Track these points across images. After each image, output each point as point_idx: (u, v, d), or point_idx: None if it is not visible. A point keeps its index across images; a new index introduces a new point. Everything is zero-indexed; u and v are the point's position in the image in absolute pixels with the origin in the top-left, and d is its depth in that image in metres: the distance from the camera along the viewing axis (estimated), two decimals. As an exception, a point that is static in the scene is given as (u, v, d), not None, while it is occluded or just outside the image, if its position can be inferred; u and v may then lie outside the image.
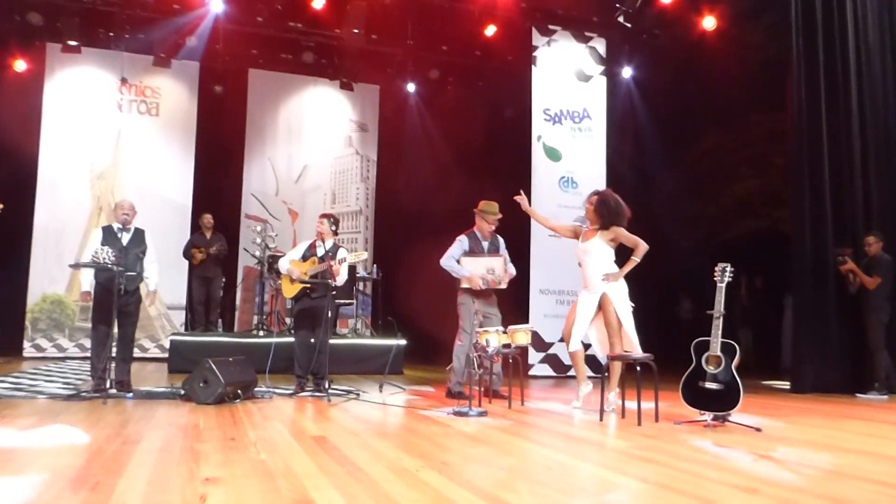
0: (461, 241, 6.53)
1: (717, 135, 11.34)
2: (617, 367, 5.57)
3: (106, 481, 2.95)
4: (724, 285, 4.92)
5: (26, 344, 10.09)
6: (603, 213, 5.65)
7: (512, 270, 6.54)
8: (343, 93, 12.18)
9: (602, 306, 5.59)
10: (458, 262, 6.41)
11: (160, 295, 7.12)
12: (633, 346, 5.48)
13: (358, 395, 6.41)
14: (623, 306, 5.55)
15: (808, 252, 7.65)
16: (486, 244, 6.59)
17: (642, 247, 5.50)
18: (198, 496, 2.73)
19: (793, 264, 7.80)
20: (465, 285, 6.42)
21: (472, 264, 6.40)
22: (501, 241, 6.75)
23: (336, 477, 3.12)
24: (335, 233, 6.74)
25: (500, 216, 6.60)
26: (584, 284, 5.76)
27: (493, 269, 6.40)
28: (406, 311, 10.20)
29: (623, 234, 5.60)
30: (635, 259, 5.50)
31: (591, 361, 7.08)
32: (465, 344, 6.31)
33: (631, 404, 5.11)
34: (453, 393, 6.44)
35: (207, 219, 9.87)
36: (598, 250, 5.64)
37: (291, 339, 7.00)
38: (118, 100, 10.86)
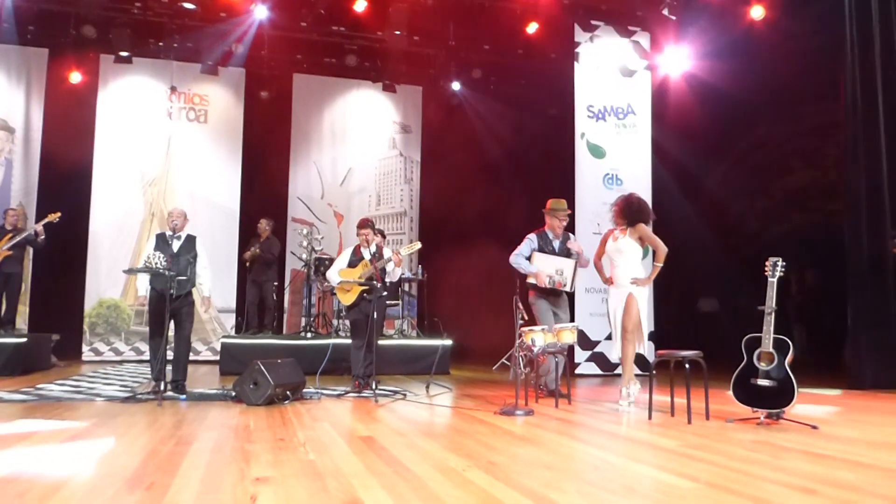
0: (530, 240, 6.57)
1: (767, 126, 11.03)
2: (630, 362, 5.85)
3: (160, 481, 3.03)
4: (775, 280, 4.81)
5: (85, 348, 10.43)
6: (626, 212, 5.96)
7: (587, 257, 6.57)
8: (386, 94, 12.27)
9: (626, 306, 5.81)
10: (528, 259, 6.44)
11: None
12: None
13: (405, 395, 6.45)
14: (643, 308, 5.87)
15: (864, 246, 7.44)
16: (556, 243, 6.59)
17: (662, 250, 5.81)
18: (248, 496, 2.78)
19: (849, 258, 7.58)
20: (531, 281, 6.43)
21: (543, 262, 6.43)
22: (572, 236, 6.76)
23: (384, 477, 3.14)
24: (383, 234, 6.80)
25: (569, 212, 6.66)
26: (611, 280, 6.03)
27: (562, 270, 6.43)
28: (451, 312, 10.22)
29: (646, 232, 5.93)
30: (658, 265, 5.84)
31: (638, 360, 6.98)
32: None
33: (680, 402, 5.03)
34: (549, 391, 6.41)
35: (259, 224, 10.04)
36: (630, 249, 5.91)
37: (339, 341, 7.06)
38: (168, 108, 11.15)
